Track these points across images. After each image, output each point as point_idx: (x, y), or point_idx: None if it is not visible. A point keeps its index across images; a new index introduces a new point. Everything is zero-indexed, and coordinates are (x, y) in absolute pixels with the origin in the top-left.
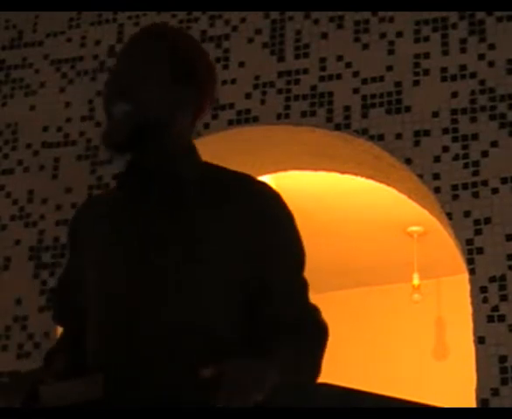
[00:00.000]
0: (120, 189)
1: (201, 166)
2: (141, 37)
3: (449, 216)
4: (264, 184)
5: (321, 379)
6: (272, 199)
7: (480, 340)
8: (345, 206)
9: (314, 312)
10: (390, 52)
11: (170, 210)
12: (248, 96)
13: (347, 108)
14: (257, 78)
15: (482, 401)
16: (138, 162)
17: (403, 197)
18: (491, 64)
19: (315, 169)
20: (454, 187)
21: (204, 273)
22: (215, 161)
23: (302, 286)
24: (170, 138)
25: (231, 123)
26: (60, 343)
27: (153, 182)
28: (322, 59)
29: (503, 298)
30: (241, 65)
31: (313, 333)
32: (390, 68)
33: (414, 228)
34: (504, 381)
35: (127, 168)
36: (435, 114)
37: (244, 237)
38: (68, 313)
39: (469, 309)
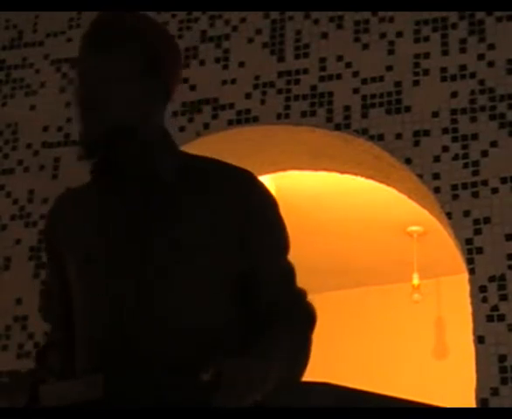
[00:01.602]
0: (98, 185)
1: (179, 154)
2: (105, 35)
3: (449, 215)
4: (245, 171)
5: (322, 379)
6: (255, 186)
7: (479, 340)
8: (345, 206)
9: (302, 296)
10: (390, 52)
11: (155, 204)
12: (248, 96)
13: (347, 108)
14: (257, 78)
15: (482, 401)
16: (114, 157)
17: (403, 197)
18: (491, 64)
19: (315, 169)
20: (454, 187)
21: (201, 270)
22: None
23: (289, 271)
24: (146, 133)
25: (231, 123)
26: (52, 338)
27: (132, 177)
28: (322, 59)
29: (503, 297)
30: (241, 65)
31: (303, 317)
32: (390, 68)
33: (414, 228)
34: (504, 381)
35: (101, 162)
36: (435, 114)
37: (232, 228)
38: (54, 315)
39: (469, 309)
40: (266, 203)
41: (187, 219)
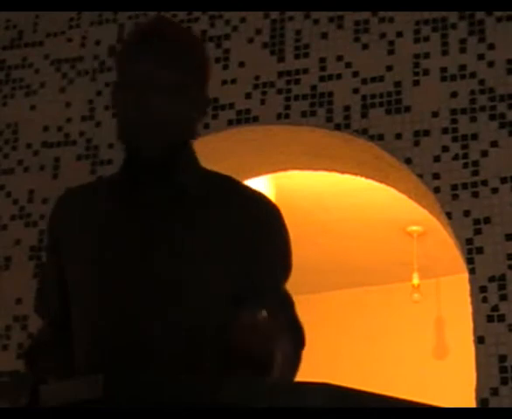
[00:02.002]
0: (106, 186)
1: (200, 168)
2: (160, 45)
3: (449, 215)
4: (263, 195)
5: (322, 379)
6: (270, 210)
7: (479, 340)
8: (345, 205)
9: (297, 318)
10: (390, 52)
11: (172, 211)
12: (248, 96)
13: (347, 108)
14: (257, 78)
15: (482, 401)
16: (140, 161)
17: (402, 197)
18: (491, 64)
19: (315, 169)
20: (454, 187)
21: (204, 274)
22: (215, 161)
23: (288, 297)
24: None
25: (231, 123)
26: (43, 338)
27: (155, 182)
28: (322, 59)
29: (503, 297)
30: (241, 65)
31: (298, 337)
32: (389, 68)
33: (414, 227)
34: (504, 381)
35: (126, 164)
36: (435, 114)
37: (240, 246)
38: (49, 313)
39: (469, 309)
40: (276, 228)
41: (191, 226)
